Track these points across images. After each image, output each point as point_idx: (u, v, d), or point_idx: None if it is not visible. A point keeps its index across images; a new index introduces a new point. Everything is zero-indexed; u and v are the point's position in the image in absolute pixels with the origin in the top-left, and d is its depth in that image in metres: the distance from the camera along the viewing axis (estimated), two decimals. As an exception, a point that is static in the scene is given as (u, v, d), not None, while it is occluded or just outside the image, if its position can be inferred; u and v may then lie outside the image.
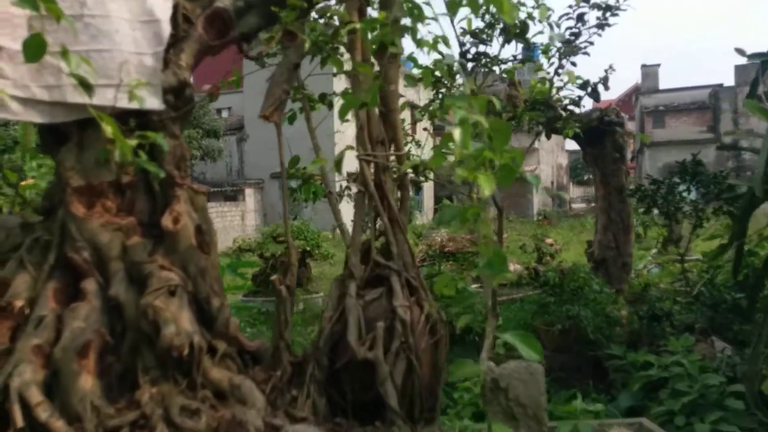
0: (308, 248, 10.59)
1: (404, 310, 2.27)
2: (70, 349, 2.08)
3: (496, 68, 6.50)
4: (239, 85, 5.32)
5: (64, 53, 1.60)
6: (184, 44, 2.35)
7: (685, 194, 7.82)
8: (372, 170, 2.42)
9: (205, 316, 2.32)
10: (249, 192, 23.53)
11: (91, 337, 2.13)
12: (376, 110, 2.48)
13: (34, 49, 1.80)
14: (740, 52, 4.77)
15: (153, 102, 2.20)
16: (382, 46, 2.31)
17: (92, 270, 2.21)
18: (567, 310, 7.48)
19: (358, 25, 1.93)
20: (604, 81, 7.35)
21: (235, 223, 21.73)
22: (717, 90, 29.17)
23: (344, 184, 7.24)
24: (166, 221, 2.25)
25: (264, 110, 2.38)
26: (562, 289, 7.84)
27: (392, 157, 2.52)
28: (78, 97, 2.12)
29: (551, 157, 31.94)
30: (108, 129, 1.85)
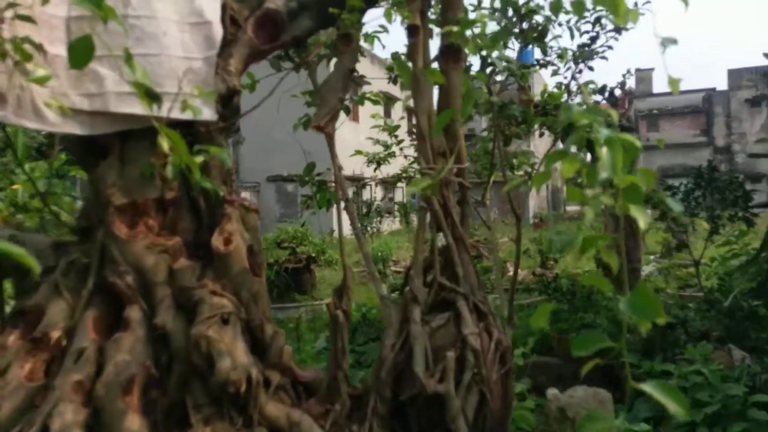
0: (313, 254, 10.39)
1: (475, 338, 2.09)
2: (113, 385, 1.88)
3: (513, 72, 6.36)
4: (253, 89, 5.12)
5: (128, 58, 1.40)
6: (233, 48, 2.15)
7: (701, 200, 7.73)
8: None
9: (258, 345, 2.13)
10: (245, 195, 23.27)
11: (135, 371, 1.93)
12: (435, 119, 2.30)
13: (82, 53, 1.59)
14: (767, 56, 4.64)
15: (207, 112, 2.01)
16: (447, 49, 2.13)
17: (136, 296, 2.01)
18: (581, 318, 7.35)
19: (455, 28, 1.74)
20: (622, 85, 7.25)
21: (231, 226, 21.44)
22: (710, 94, 29.36)
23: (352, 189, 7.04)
24: (217, 242, 2.05)
25: (318, 120, 2.19)
26: (574, 296, 7.73)
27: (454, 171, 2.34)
28: (123, 107, 1.92)
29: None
30: (165, 143, 1.65)
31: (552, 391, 2.55)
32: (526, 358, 6.03)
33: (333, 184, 5.31)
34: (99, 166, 2.03)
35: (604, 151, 1.13)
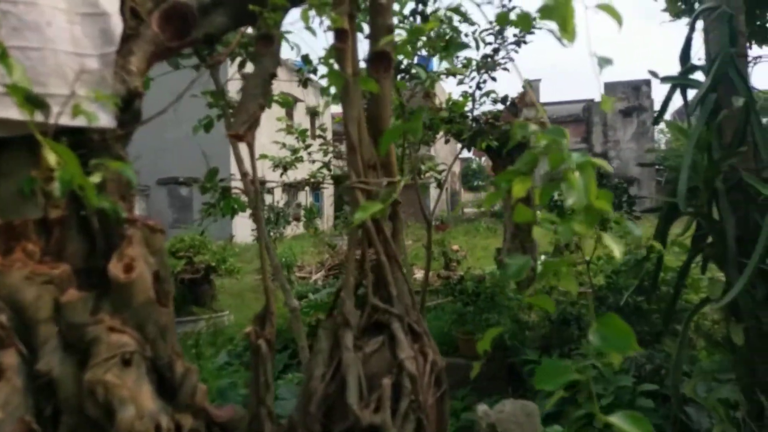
0: (213, 263, 9.85)
1: (411, 362, 1.96)
2: None
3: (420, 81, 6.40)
4: (148, 87, 4.66)
5: (1, 53, 1.11)
6: (135, 45, 1.86)
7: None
8: (365, 199, 2.08)
9: (167, 385, 1.85)
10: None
11: (10, 428, 1.58)
12: (366, 129, 2.15)
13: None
14: (653, 74, 5.00)
15: (105, 118, 1.71)
16: (377, 56, 1.99)
17: (12, 338, 1.65)
18: (486, 318, 7.58)
19: (404, 33, 1.59)
20: (522, 96, 7.55)
21: (118, 234, 19.86)
22: (589, 105, 31.93)
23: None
24: (116, 269, 1.75)
25: (236, 128, 1.96)
26: (478, 297, 7.96)
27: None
28: (-4, 110, 1.57)
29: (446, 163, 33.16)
30: (51, 157, 1.35)
31: (482, 408, 2.50)
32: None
33: (237, 191, 4.97)
34: (-37, 181, 1.65)
35: (576, 176, 1.04)
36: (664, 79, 4.98)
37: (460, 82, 7.04)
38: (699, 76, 4.44)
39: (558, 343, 7.03)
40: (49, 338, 1.69)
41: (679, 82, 4.59)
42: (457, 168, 36.99)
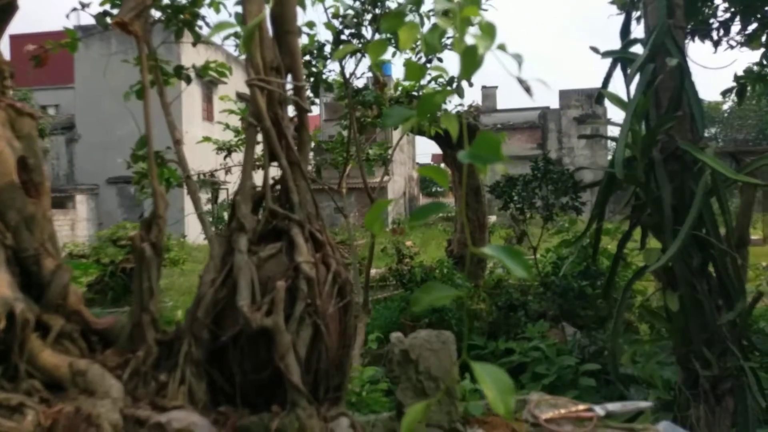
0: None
1: (309, 267, 1.84)
2: None
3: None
4: (75, 49, 4.44)
5: None
6: None
7: (537, 191, 8.31)
8: (265, 101, 1.96)
9: (33, 281, 1.68)
10: (81, 199, 20.82)
11: None
12: (270, 31, 2.04)
13: None
14: (594, 50, 5.07)
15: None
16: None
17: None
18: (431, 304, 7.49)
19: None
20: (459, 85, 7.59)
21: (64, 233, 19.02)
22: (545, 112, 32.64)
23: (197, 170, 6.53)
24: None
25: (122, 14, 1.82)
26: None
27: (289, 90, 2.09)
28: None
29: (404, 168, 33.13)
30: None
31: (395, 335, 2.39)
32: (381, 346, 5.97)
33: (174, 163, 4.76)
34: None
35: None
36: (605, 54, 5.04)
37: (407, 62, 7.00)
38: (638, 50, 4.51)
39: (505, 329, 7.03)
40: None
41: (620, 56, 4.65)
42: (415, 173, 37.14)
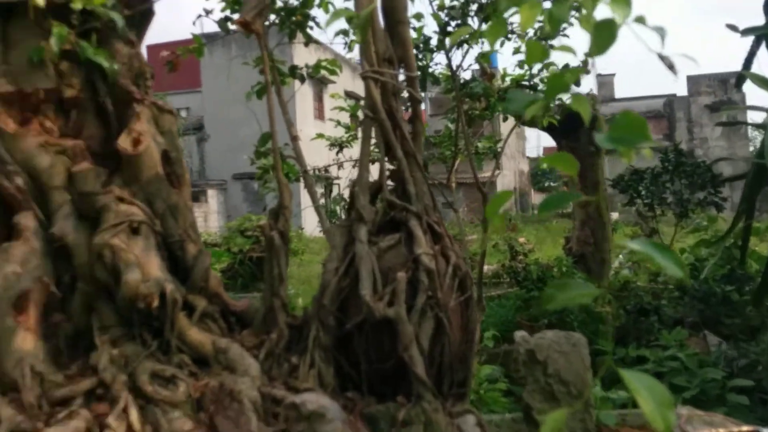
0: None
1: (429, 259, 1.83)
2: (2, 300, 1.55)
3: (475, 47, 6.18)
4: (201, 54, 4.79)
5: None
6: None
7: (668, 185, 7.65)
8: (380, 93, 1.97)
9: (179, 265, 1.83)
10: (212, 193, 22.66)
11: (29, 285, 1.61)
12: (381, 23, 2.05)
13: None
14: (732, 27, 4.55)
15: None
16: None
17: (29, 202, 1.69)
18: (551, 304, 7.15)
19: None
20: (584, 64, 7.16)
21: (198, 224, 20.88)
22: (671, 99, 30.05)
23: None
24: (124, 143, 1.75)
25: (244, 14, 1.91)
26: (544, 284, 7.56)
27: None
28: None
29: (513, 163, 32.14)
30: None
31: (520, 333, 2.30)
32: (497, 344, 5.82)
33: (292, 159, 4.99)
34: (-18, 47, 1.71)
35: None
36: (746, 31, 4.53)
37: (516, 51, 6.76)
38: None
39: (635, 335, 6.54)
40: (63, 205, 1.71)
41: (764, 33, 4.15)
42: (526, 167, 35.87)
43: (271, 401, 1.54)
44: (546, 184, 37.29)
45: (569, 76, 1.03)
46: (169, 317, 1.62)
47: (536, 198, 38.18)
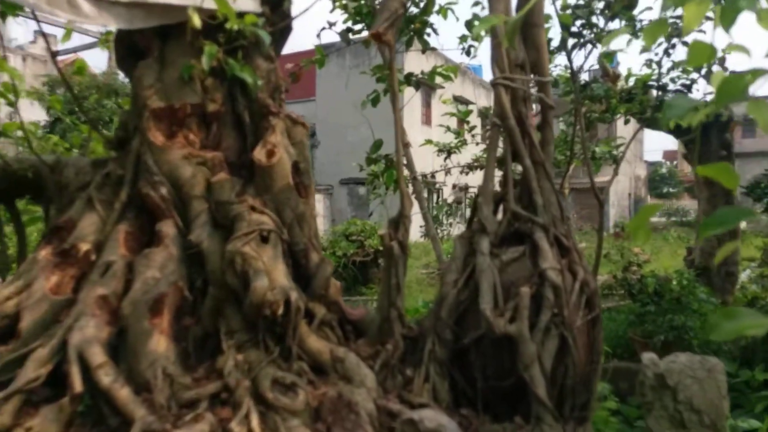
0: (381, 248, 10.18)
1: (556, 274, 1.73)
2: (140, 303, 1.69)
3: (599, 46, 5.85)
4: (323, 65, 4.96)
5: None
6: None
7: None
8: (509, 99, 1.90)
9: (302, 273, 1.88)
10: (318, 198, 23.59)
11: (166, 290, 1.73)
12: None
13: None
14: None
15: (247, 2, 1.80)
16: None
17: (171, 210, 1.82)
18: (670, 320, 6.64)
19: None
20: (721, 62, 6.54)
21: (303, 228, 21.85)
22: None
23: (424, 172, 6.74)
24: (259, 154, 1.83)
25: (377, 26, 1.93)
26: (661, 297, 6.98)
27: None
28: (161, -4, 1.74)
29: (629, 167, 30.13)
30: (196, 20, 1.44)
31: (648, 355, 2.12)
32: (607, 361, 5.47)
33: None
34: (137, 67, 1.86)
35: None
36: None
37: (644, 50, 6.32)
38: None
39: (763, 356, 5.91)
40: (201, 213, 1.82)
41: None
42: (643, 172, 33.50)
43: (386, 414, 1.53)
44: (665, 191, 34.64)
45: (750, 78, 0.90)
46: (291, 324, 1.66)
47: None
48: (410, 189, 4.68)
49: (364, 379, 1.66)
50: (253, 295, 1.64)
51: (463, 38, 5.34)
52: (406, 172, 5.23)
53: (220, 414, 1.54)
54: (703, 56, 1.08)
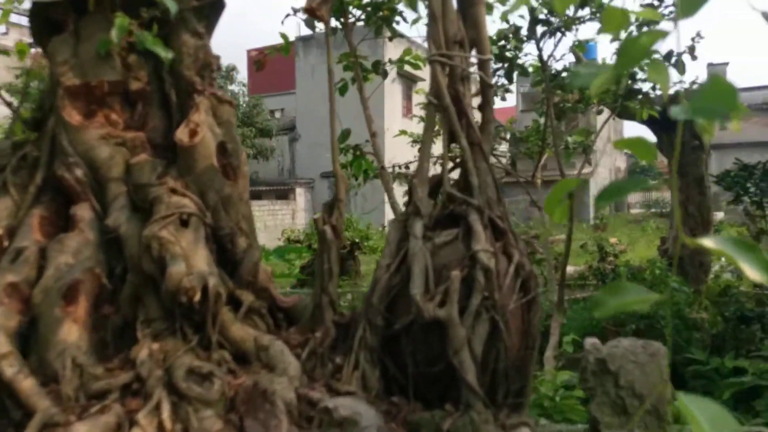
0: (357, 240, 10.15)
1: (488, 257, 1.68)
2: (52, 290, 1.60)
3: (568, 34, 5.81)
4: (288, 52, 4.86)
5: None
6: None
7: (782, 181, 6.87)
8: (446, 78, 1.84)
9: (228, 258, 1.81)
10: (300, 191, 23.46)
11: (80, 276, 1.65)
12: (454, 2, 1.91)
13: None
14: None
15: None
16: None
17: (87, 193, 1.73)
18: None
19: None
20: (691, 50, 6.53)
21: (286, 221, 21.73)
22: (793, 89, 27.08)
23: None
24: (181, 134, 1.75)
25: (310, 2, 1.85)
26: (635, 287, 6.97)
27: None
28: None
29: (609, 159, 30.34)
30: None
31: (590, 340, 2.08)
32: (578, 349, 5.48)
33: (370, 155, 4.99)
34: (51, 42, 1.77)
35: None
36: None
37: (615, 39, 6.29)
38: None
39: (733, 344, 5.96)
40: (119, 196, 1.74)
41: None
42: (623, 164, 33.77)
43: (307, 403, 1.47)
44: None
45: (646, 39, 0.84)
46: (211, 312, 1.59)
47: (634, 196, 35.90)
48: (384, 179, 4.63)
49: (287, 367, 1.60)
50: (168, 282, 1.57)
51: (415, 21, 5.20)
52: (373, 161, 5.17)
53: (130, 405, 1.47)
54: (616, 22, 1.01)
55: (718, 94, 0.77)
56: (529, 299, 1.77)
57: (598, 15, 5.66)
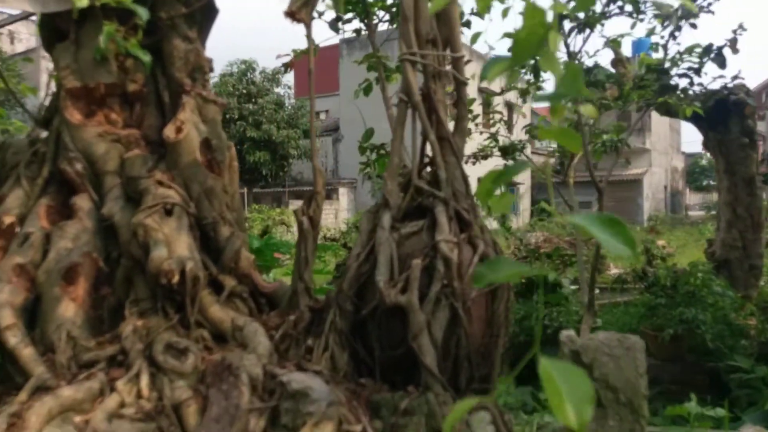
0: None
1: (449, 247, 1.75)
2: (53, 271, 1.79)
3: (598, 28, 5.72)
4: (316, 53, 5.03)
5: None
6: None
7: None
8: (414, 74, 1.92)
9: (212, 245, 1.95)
10: (342, 191, 23.81)
11: (78, 260, 1.83)
12: (427, 2, 1.98)
13: None
14: None
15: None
16: None
17: (85, 185, 1.92)
18: (680, 313, 6.44)
19: None
20: (732, 43, 6.27)
21: (329, 221, 22.14)
22: None
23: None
24: (168, 131, 1.91)
25: (291, 5, 1.97)
26: (675, 291, 6.77)
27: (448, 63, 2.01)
28: (69, -19, 1.84)
29: (665, 159, 29.11)
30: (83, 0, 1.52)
31: (566, 333, 2.11)
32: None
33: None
34: (55, 49, 1.97)
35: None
36: None
37: (650, 33, 6.12)
38: None
39: (782, 354, 5.67)
40: (113, 188, 1.92)
41: None
42: (680, 164, 32.37)
43: (271, 378, 1.58)
44: (705, 183, 33.38)
45: (543, 32, 0.85)
46: (189, 293, 1.74)
47: (692, 198, 34.34)
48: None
49: (257, 346, 1.72)
50: (150, 265, 1.73)
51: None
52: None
53: (113, 374, 1.63)
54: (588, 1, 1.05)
55: (568, 79, 0.84)
56: (493, 288, 1.82)
57: (625, 11, 5.54)
